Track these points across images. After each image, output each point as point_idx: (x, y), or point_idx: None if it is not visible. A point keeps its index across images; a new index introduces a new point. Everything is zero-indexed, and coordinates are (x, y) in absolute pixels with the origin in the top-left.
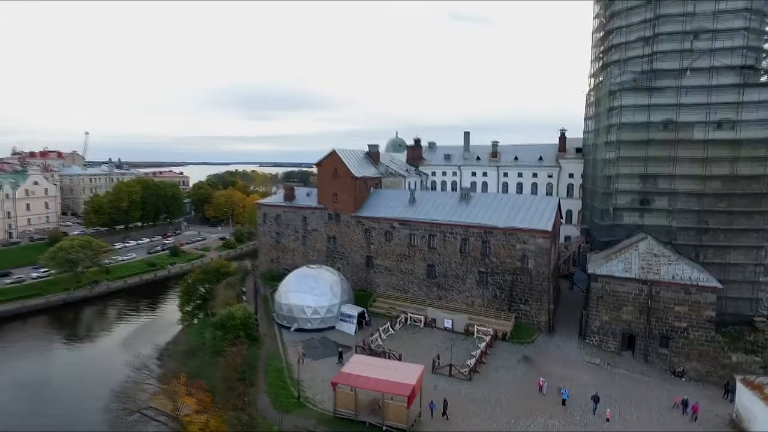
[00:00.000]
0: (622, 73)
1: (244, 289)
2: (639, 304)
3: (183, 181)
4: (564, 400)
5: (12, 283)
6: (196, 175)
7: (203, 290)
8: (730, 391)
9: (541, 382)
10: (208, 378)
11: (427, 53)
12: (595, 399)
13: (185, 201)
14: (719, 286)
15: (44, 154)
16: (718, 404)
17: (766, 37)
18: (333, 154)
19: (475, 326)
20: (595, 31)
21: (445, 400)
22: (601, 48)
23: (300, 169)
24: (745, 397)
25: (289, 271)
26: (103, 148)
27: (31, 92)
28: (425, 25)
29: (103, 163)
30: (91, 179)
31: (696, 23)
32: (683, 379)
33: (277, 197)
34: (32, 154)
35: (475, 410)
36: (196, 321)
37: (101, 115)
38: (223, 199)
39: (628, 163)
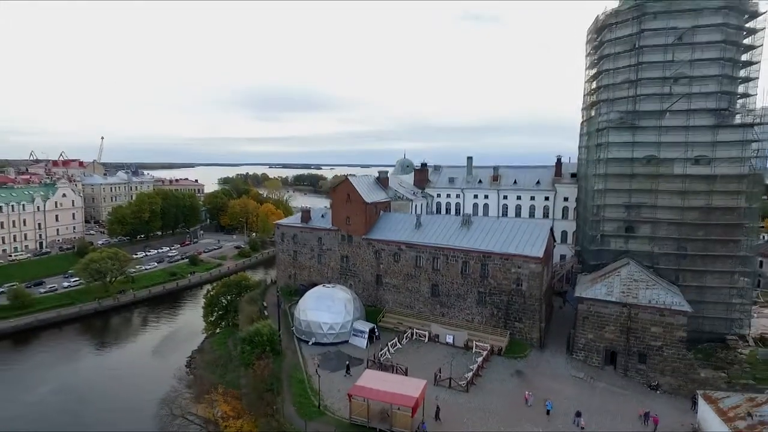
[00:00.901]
0: (609, 111)
1: (265, 303)
2: (620, 324)
3: (198, 189)
4: (548, 411)
5: (46, 292)
6: (206, 177)
7: (225, 302)
8: (696, 403)
9: (527, 395)
10: (239, 387)
11: (434, 54)
12: (578, 414)
13: (201, 209)
14: (690, 309)
15: (66, 163)
16: (687, 415)
17: (739, 81)
18: (346, 181)
19: (474, 341)
20: (588, 68)
21: (437, 406)
22: (593, 85)
23: (309, 171)
24: (704, 409)
25: (305, 287)
26: (115, 149)
27: (42, 93)
28: (431, 27)
29: (117, 164)
30: (111, 188)
31: (675, 70)
32: (658, 392)
33: (294, 218)
34: (55, 163)
35: (470, 418)
36: (218, 331)
37: (112, 116)
38: (238, 207)
39: (614, 194)
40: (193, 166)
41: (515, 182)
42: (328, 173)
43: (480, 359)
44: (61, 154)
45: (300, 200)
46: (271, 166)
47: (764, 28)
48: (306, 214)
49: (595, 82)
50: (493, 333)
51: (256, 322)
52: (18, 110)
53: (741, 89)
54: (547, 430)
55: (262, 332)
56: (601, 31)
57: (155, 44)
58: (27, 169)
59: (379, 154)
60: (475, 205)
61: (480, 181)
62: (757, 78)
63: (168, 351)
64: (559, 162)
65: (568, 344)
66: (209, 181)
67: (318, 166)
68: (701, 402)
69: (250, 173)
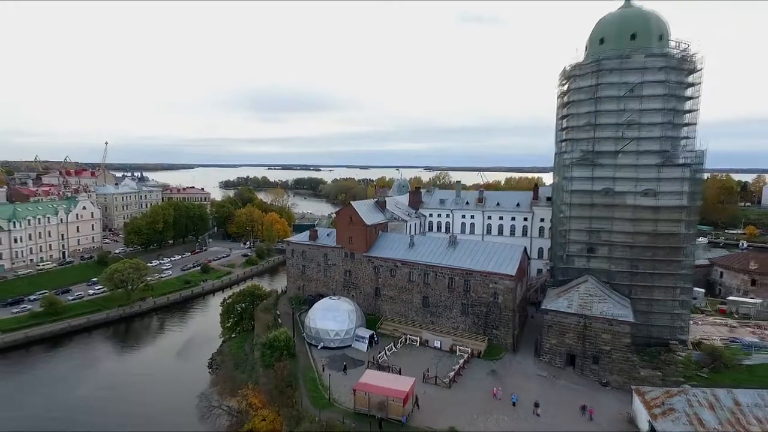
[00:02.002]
0: (573, 150)
1: (278, 312)
2: (577, 332)
3: (205, 197)
4: (514, 403)
5: (74, 299)
6: (206, 179)
7: (240, 309)
8: None
9: (495, 391)
10: (259, 384)
11: (436, 55)
12: (536, 404)
13: (209, 218)
14: (633, 320)
15: (78, 172)
16: (628, 406)
17: (682, 125)
18: (349, 206)
19: (458, 346)
20: (559, 107)
21: (416, 396)
22: (563, 123)
23: (308, 173)
24: (636, 401)
25: (313, 297)
26: (115, 150)
27: (45, 94)
28: (433, 28)
29: (119, 166)
30: (123, 197)
31: (626, 117)
32: (608, 387)
33: (303, 236)
34: (68, 173)
35: (450, 409)
36: (234, 336)
37: (113, 117)
38: (244, 216)
39: (577, 220)
40: (192, 167)
41: (498, 204)
42: (327, 174)
43: (462, 361)
44: (65, 158)
45: (301, 205)
46: (270, 167)
47: (701, 82)
48: (314, 233)
49: (564, 122)
50: (473, 339)
51: (273, 330)
52: (20, 111)
53: (684, 132)
54: (511, 418)
55: (279, 338)
56: (568, 79)
57: (157, 45)
58: (38, 176)
59: (379, 155)
60: (463, 224)
61: (467, 203)
62: (696, 124)
63: (190, 353)
64: (536, 187)
65: (535, 348)
66: (209, 184)
67: (317, 168)
68: (634, 395)
69: (250, 176)
